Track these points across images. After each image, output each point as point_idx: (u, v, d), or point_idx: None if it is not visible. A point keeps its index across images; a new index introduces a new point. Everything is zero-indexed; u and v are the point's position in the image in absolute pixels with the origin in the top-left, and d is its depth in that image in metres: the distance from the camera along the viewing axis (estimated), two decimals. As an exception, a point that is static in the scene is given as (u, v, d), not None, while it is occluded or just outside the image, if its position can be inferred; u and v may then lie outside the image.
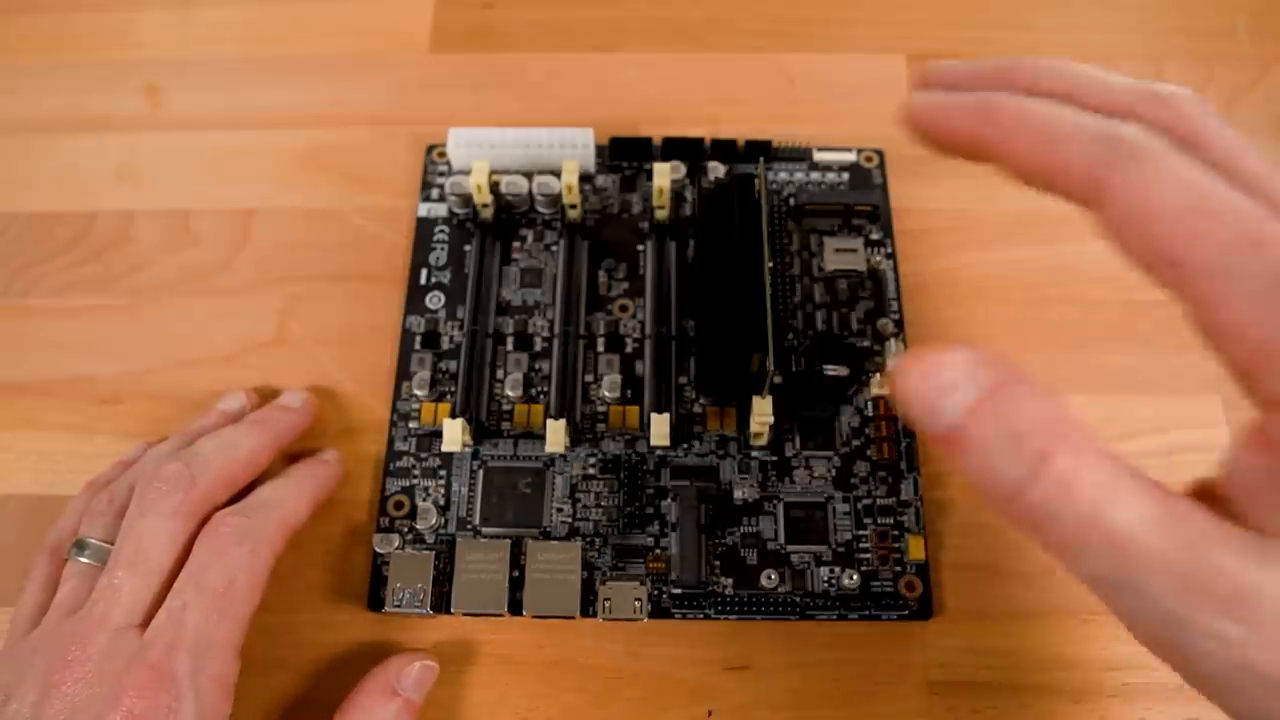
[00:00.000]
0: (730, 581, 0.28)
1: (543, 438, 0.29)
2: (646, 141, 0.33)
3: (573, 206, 0.32)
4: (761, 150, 0.33)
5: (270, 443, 0.28)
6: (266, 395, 0.31)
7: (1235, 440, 0.16)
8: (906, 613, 0.27)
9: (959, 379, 0.16)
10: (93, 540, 0.25)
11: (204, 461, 0.25)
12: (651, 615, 0.27)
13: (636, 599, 0.27)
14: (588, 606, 0.27)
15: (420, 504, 0.29)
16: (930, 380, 0.16)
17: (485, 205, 0.32)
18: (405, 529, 0.29)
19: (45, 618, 0.24)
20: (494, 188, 0.32)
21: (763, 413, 0.27)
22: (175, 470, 0.25)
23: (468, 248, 0.32)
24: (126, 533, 0.24)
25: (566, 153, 0.32)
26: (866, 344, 0.31)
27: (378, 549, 0.28)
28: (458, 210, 0.33)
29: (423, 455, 0.29)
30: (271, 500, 0.26)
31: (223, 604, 0.23)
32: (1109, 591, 0.16)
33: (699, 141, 0.33)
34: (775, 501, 0.29)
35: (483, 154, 0.32)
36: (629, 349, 0.31)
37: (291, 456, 0.29)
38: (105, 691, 0.21)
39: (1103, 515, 0.15)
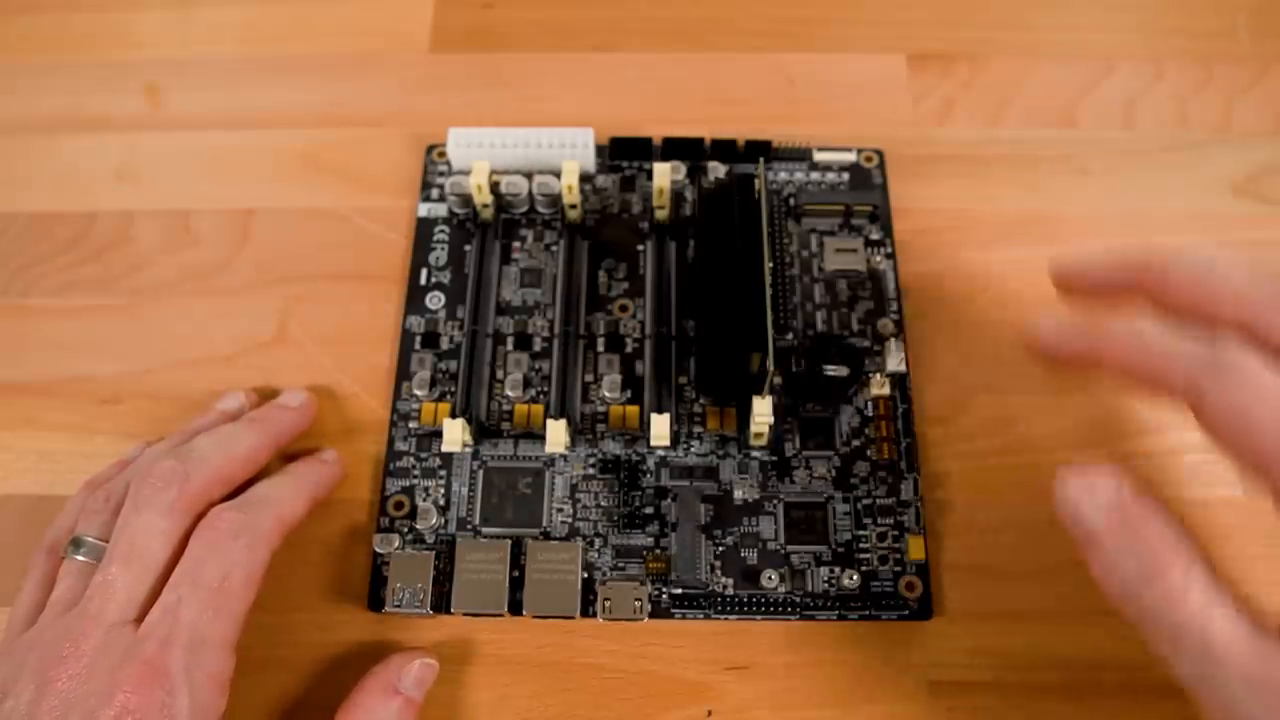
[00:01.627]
0: (730, 581, 0.28)
1: (543, 438, 0.29)
2: (646, 141, 0.33)
3: (573, 206, 0.32)
4: (761, 150, 0.33)
5: (269, 441, 0.28)
6: (266, 395, 0.31)
7: None
8: (906, 613, 0.27)
9: (1104, 490, 0.21)
10: (89, 538, 0.25)
11: (200, 458, 0.25)
12: (651, 615, 0.27)
13: (636, 599, 0.27)
14: (588, 606, 0.27)
15: (420, 504, 0.29)
16: (1079, 489, 0.21)
17: (485, 205, 0.32)
18: (405, 529, 0.29)
19: (42, 615, 0.24)
20: (494, 188, 0.32)
21: (763, 413, 0.27)
22: (170, 467, 0.25)
23: (468, 248, 0.32)
24: (121, 529, 0.24)
25: (566, 153, 0.32)
26: (866, 344, 0.31)
27: (378, 549, 0.28)
28: (458, 210, 0.33)
29: (423, 455, 0.29)
30: (269, 497, 0.26)
31: (218, 600, 0.23)
32: (1195, 685, 0.19)
33: (699, 141, 0.33)
34: (775, 501, 0.29)
35: (483, 154, 0.32)
36: (629, 349, 0.31)
37: (290, 456, 0.29)
38: (100, 687, 0.21)
39: (1202, 629, 0.19)
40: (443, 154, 0.34)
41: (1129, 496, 0.20)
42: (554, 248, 0.32)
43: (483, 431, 0.30)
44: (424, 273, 0.32)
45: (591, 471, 0.29)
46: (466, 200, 0.32)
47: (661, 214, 0.32)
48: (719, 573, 0.28)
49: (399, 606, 0.27)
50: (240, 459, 0.27)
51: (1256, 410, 0.19)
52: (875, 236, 0.32)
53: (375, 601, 0.28)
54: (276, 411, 0.29)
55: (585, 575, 0.28)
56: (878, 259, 0.32)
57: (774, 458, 0.29)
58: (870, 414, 0.30)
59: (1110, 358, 0.22)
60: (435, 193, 0.34)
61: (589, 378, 0.30)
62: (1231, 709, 0.18)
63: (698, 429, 0.30)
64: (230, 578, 0.24)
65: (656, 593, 0.28)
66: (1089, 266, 0.24)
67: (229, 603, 0.24)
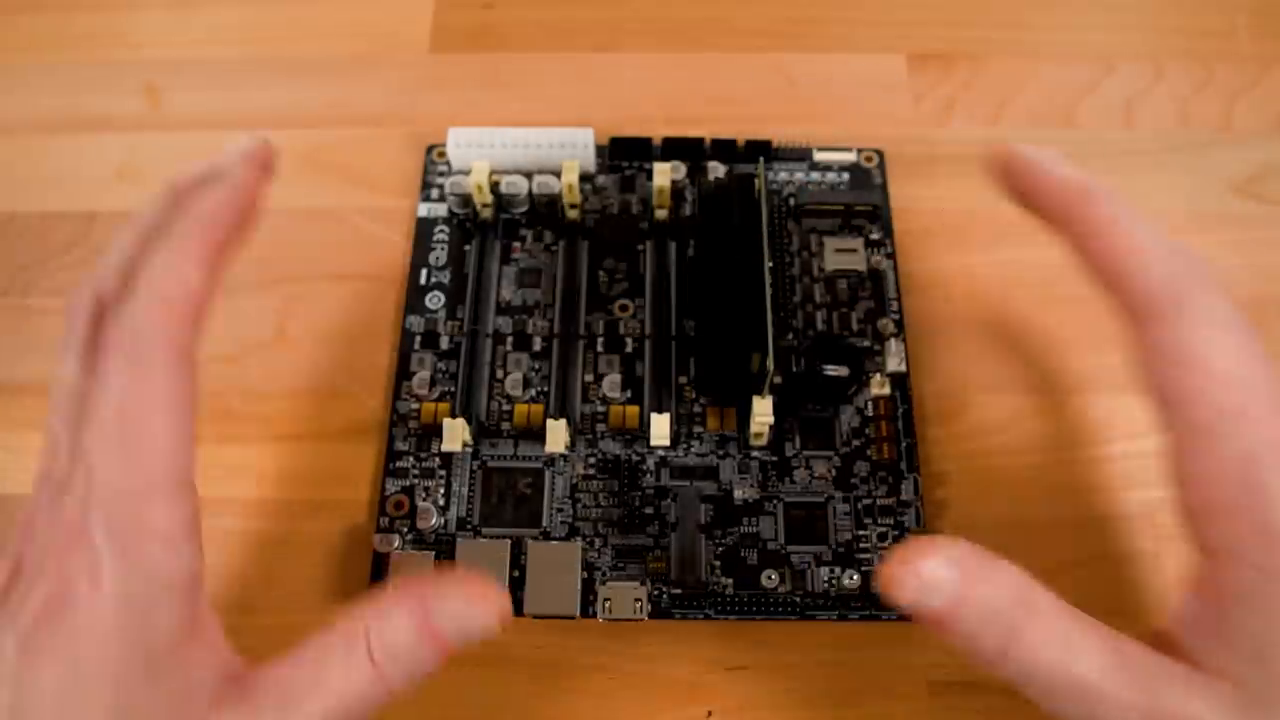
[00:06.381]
0: (730, 581, 0.28)
1: (543, 438, 0.29)
2: (646, 141, 0.33)
3: (573, 206, 0.32)
4: (761, 150, 0.33)
5: (191, 259, 0.20)
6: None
7: (1182, 588, 0.20)
8: (907, 613, 0.27)
9: (942, 572, 0.19)
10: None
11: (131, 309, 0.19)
12: (651, 615, 0.27)
13: (636, 599, 0.27)
14: (588, 606, 0.27)
15: (420, 504, 0.29)
16: (916, 575, 0.19)
17: (485, 205, 0.32)
18: (405, 529, 0.29)
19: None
20: (494, 188, 0.32)
21: (763, 413, 0.27)
22: (74, 299, 0.20)
23: (467, 248, 0.32)
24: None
25: (566, 153, 0.32)
26: (866, 344, 0.31)
27: (378, 549, 0.28)
28: (458, 210, 0.33)
29: (423, 455, 0.29)
30: (143, 284, 0.20)
31: (125, 440, 0.19)
32: None
33: (699, 141, 0.33)
34: (775, 501, 0.29)
35: (483, 154, 0.32)
36: (629, 349, 0.31)
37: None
38: (39, 559, 0.19)
39: (1067, 670, 0.18)
40: (443, 154, 0.34)
41: (969, 567, 0.19)
42: (554, 248, 0.32)
43: (483, 431, 0.30)
44: (424, 273, 0.32)
45: (591, 471, 0.29)
46: (466, 200, 0.32)
47: (661, 214, 0.32)
48: (719, 573, 0.28)
49: (399, 606, 0.27)
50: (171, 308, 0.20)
51: (1221, 344, 0.19)
52: (875, 236, 0.32)
53: (375, 601, 0.28)
54: (197, 200, 0.21)
55: (585, 575, 0.28)
56: (878, 259, 0.32)
57: (774, 458, 0.29)
58: (870, 414, 0.30)
59: (1088, 226, 0.20)
60: (435, 193, 0.34)
61: (589, 378, 0.30)
62: None
63: (698, 429, 0.30)
64: (127, 411, 0.19)
65: (656, 593, 0.28)
66: (1040, 170, 0.21)
67: (143, 440, 0.19)
